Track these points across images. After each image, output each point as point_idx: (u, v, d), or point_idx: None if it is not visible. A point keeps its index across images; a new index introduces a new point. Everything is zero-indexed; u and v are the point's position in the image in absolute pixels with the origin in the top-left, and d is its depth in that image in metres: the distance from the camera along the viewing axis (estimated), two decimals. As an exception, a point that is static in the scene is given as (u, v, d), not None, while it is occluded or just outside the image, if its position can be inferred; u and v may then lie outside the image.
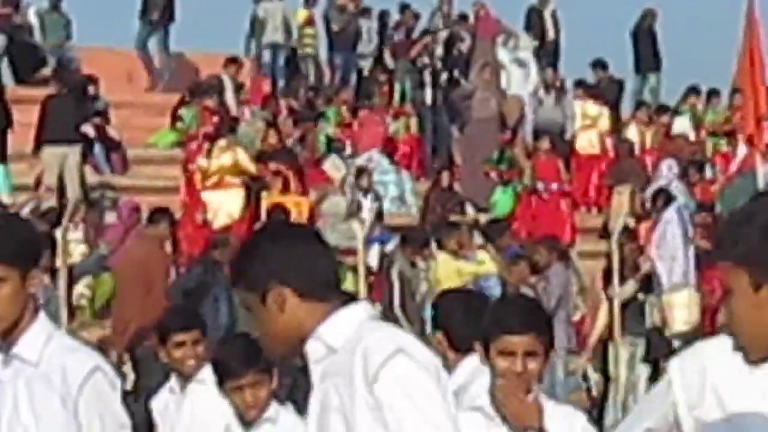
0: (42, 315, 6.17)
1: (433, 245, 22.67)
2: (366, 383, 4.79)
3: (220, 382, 9.54)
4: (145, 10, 29.06)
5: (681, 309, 23.64)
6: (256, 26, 30.71)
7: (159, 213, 21.28)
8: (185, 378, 10.77)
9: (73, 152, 24.13)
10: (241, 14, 31.32)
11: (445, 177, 26.12)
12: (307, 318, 4.94)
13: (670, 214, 24.33)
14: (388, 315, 19.21)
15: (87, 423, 5.97)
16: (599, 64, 32.06)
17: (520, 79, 30.55)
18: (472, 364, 7.47)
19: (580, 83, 31.14)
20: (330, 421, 4.99)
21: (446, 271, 21.40)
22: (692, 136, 30.66)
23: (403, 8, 31.59)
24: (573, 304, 22.17)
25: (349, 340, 4.96)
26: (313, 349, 4.97)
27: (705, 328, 23.55)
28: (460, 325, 7.54)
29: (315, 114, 27.99)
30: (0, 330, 5.86)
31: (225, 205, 23.69)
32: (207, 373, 10.14)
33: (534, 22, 32.12)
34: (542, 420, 6.03)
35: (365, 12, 31.25)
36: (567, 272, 22.19)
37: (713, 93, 30.70)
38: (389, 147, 27.27)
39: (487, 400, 6.28)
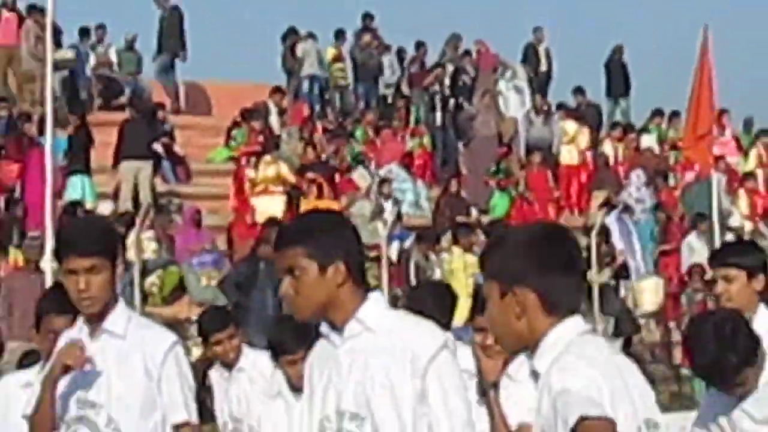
0: (121, 299, 6.78)
1: (450, 241, 23.06)
2: (414, 372, 5.07)
3: (276, 357, 9.82)
4: (160, 45, 29.36)
5: (649, 293, 23.71)
6: (296, 62, 30.83)
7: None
8: (228, 366, 10.98)
9: (146, 166, 24.22)
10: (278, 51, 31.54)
11: (453, 185, 26.28)
12: (351, 300, 5.19)
13: (610, 219, 24.84)
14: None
15: (168, 388, 6.33)
16: (578, 91, 32.23)
17: (516, 103, 30.83)
18: None
19: (560, 106, 31.29)
20: (375, 393, 5.11)
21: (459, 263, 21.95)
22: (657, 150, 30.78)
23: (418, 45, 31.78)
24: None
25: (382, 324, 5.26)
26: (351, 326, 5.16)
27: (668, 309, 23.66)
28: (432, 312, 7.34)
29: (345, 133, 28.04)
30: (97, 309, 6.34)
31: (270, 209, 23.73)
32: (244, 361, 10.67)
33: (530, 56, 32.32)
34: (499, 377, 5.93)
35: (386, 48, 31.34)
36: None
37: (674, 114, 30.83)
38: (406, 160, 27.38)
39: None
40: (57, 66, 24.74)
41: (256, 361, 10.71)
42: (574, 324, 4.14)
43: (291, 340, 9.45)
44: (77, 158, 23.51)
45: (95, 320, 6.37)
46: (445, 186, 26.70)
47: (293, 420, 8.74)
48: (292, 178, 25.15)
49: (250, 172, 24.67)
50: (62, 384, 6.47)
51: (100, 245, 6.56)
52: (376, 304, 5.39)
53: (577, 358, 4.19)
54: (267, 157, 25.20)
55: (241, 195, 24.41)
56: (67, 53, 27.82)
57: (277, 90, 29.32)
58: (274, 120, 27.23)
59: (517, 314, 4.43)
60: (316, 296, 5.20)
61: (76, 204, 21.54)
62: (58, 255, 6.96)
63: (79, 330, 6.59)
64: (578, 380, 4.37)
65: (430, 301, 7.67)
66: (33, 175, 21.22)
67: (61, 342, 6.80)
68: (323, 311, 5.28)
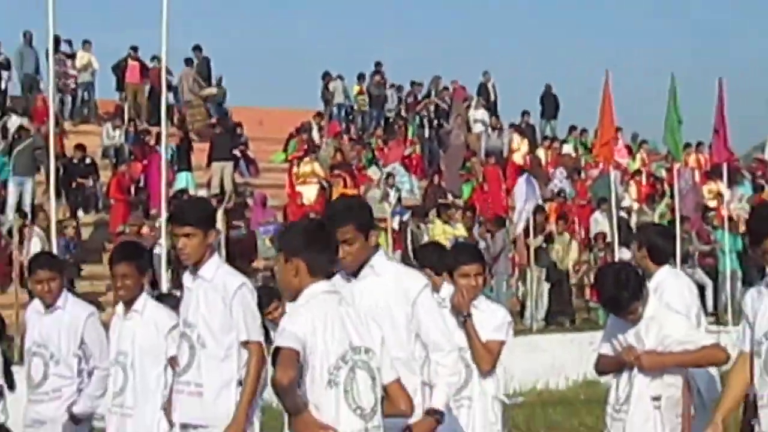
0: (216, 254, 6.99)
1: (434, 216, 22.97)
2: (407, 301, 5.65)
3: None
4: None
5: (572, 251, 23.55)
6: (330, 94, 30.87)
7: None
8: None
9: (228, 165, 24.18)
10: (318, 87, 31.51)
11: (435, 178, 26.34)
12: (366, 253, 5.65)
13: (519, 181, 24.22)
14: (405, 257, 19.38)
15: (236, 315, 6.48)
16: (525, 114, 32.24)
17: (479, 123, 31.04)
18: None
19: (511, 125, 31.30)
20: (379, 313, 5.48)
21: (440, 230, 21.88)
22: (573, 155, 30.79)
23: (413, 84, 32.00)
24: (509, 249, 22.28)
25: (385, 269, 5.75)
26: (365, 271, 5.67)
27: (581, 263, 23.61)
28: (435, 263, 7.61)
29: (363, 143, 28.05)
30: (191, 262, 6.70)
31: (309, 194, 23.86)
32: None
33: (482, 90, 32.36)
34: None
35: (392, 86, 31.38)
36: (505, 233, 22.31)
37: (584, 130, 31.16)
38: (405, 161, 27.59)
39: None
40: (206, 99, 25.92)
41: None
42: (322, 285, 5.03)
43: None
44: (182, 160, 23.49)
45: (194, 269, 6.64)
46: (430, 179, 26.70)
47: None
48: (322, 174, 25.20)
49: (296, 169, 24.78)
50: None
51: (193, 219, 6.77)
52: (381, 256, 5.87)
53: (303, 307, 5.03)
54: (306, 159, 25.41)
55: (291, 185, 24.44)
56: (213, 90, 29.13)
57: (318, 114, 29.59)
58: (315, 134, 27.29)
59: (293, 275, 5.11)
60: (362, 257, 5.71)
61: (182, 191, 21.54)
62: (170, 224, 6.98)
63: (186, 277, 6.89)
64: (293, 321, 4.97)
65: (435, 256, 7.67)
66: (153, 171, 21.19)
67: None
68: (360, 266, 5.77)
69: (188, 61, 29.16)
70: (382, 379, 4.95)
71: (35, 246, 17.45)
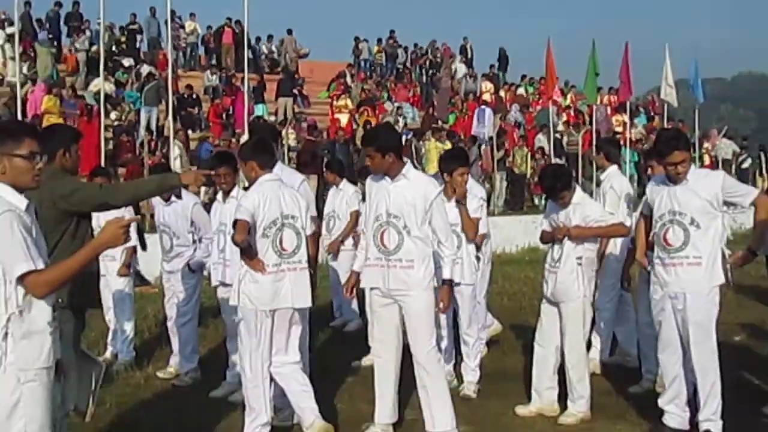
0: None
1: (429, 135, 22.68)
2: (425, 202, 5.69)
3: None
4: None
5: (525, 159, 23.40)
6: (359, 51, 30.69)
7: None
8: None
9: (290, 100, 24.03)
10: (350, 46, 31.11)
11: (430, 110, 26.08)
12: (400, 166, 5.76)
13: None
14: (412, 163, 19.32)
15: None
16: (491, 68, 31.90)
17: (460, 72, 30.75)
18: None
19: (484, 75, 31.11)
20: (405, 205, 5.72)
21: (432, 146, 21.48)
22: (525, 95, 30.66)
23: (415, 45, 32.70)
24: (480, 159, 22.15)
25: (412, 176, 5.82)
26: (398, 177, 5.75)
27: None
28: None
29: (382, 86, 27.90)
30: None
31: (342, 121, 23.77)
32: None
33: (463, 50, 32.14)
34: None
35: (401, 46, 31.53)
36: (476, 147, 22.22)
37: (532, 78, 30.93)
38: (409, 99, 27.56)
39: None
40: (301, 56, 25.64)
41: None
42: (267, 176, 5.84)
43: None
44: (258, 96, 23.36)
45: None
46: (426, 110, 26.50)
47: None
48: (352, 106, 24.76)
49: (335, 103, 24.55)
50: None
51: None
52: (410, 167, 5.88)
53: (254, 190, 5.81)
54: (342, 96, 25.04)
55: (332, 114, 24.29)
56: (306, 50, 29.95)
57: (349, 65, 29.15)
58: (348, 79, 27.06)
59: (250, 170, 5.89)
60: (383, 167, 5.77)
61: (258, 117, 21.46)
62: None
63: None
64: (246, 199, 5.78)
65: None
66: (238, 104, 21.11)
67: None
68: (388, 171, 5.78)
69: (289, 31, 29.61)
70: (306, 231, 5.96)
71: (174, 152, 17.54)
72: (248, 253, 5.67)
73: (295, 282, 5.79)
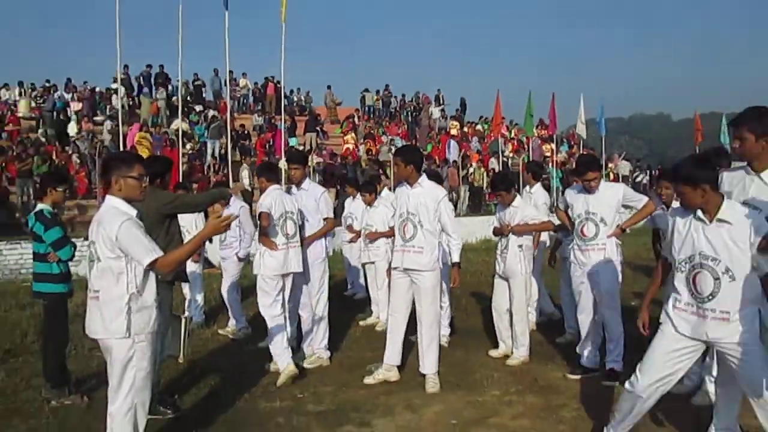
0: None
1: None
2: (436, 204, 5.68)
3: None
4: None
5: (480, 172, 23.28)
6: (363, 99, 30.22)
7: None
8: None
9: (314, 135, 23.79)
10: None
11: (414, 141, 25.83)
12: (417, 177, 5.71)
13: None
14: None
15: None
16: (457, 110, 31.62)
17: (435, 115, 30.34)
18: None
19: (451, 116, 30.88)
20: (420, 206, 5.64)
21: None
22: (482, 130, 30.27)
23: (403, 95, 31.90)
24: (448, 176, 21.91)
25: (425, 185, 5.73)
26: (415, 185, 5.71)
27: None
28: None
29: (378, 125, 27.53)
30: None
31: (350, 150, 23.35)
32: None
33: (437, 99, 31.79)
34: None
35: (393, 96, 31.12)
36: (446, 168, 22.10)
37: (486, 118, 30.42)
38: (399, 134, 26.94)
39: None
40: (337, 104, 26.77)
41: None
42: (274, 186, 6.19)
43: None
44: (291, 132, 23.19)
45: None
46: (411, 142, 26.40)
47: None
48: (357, 139, 24.31)
49: (346, 137, 24.22)
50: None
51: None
52: (424, 178, 5.76)
53: (267, 195, 6.14)
54: (350, 133, 24.53)
55: (344, 144, 23.97)
56: (339, 99, 29.65)
57: (356, 110, 28.70)
58: (355, 120, 26.86)
59: (262, 183, 6.27)
60: (403, 176, 5.72)
61: (291, 147, 21.32)
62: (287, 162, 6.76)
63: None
64: (263, 200, 6.11)
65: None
66: (277, 137, 20.97)
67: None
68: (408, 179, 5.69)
69: (328, 87, 29.74)
70: (299, 221, 6.26)
71: (244, 171, 18.03)
72: (266, 235, 6.04)
73: (295, 255, 6.16)
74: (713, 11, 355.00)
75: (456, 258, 5.83)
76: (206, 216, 7.79)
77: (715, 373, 4.85)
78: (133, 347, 3.69)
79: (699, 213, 3.67)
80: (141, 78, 24.44)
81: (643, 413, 4.10)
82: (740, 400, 4.04)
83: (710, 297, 3.67)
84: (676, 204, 4.14)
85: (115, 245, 3.62)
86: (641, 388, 3.94)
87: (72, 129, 20.58)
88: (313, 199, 6.49)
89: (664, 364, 3.89)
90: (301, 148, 22.96)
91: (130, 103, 22.77)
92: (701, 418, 4.70)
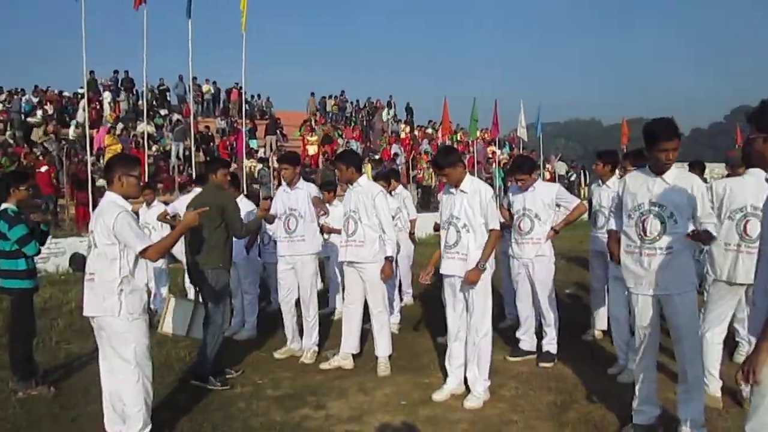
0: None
1: (366, 162, 22.25)
2: (371, 199, 5.71)
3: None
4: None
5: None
6: (321, 105, 30.04)
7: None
8: None
9: (274, 137, 23.60)
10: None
11: (368, 143, 25.79)
12: (357, 176, 5.73)
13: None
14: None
15: None
16: (407, 114, 31.65)
17: (386, 118, 30.25)
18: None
19: (404, 120, 30.88)
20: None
21: (369, 168, 20.49)
22: (431, 132, 30.31)
23: (357, 100, 31.61)
24: (399, 175, 21.87)
25: (364, 185, 5.78)
26: (355, 186, 5.73)
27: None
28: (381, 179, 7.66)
29: (335, 128, 27.48)
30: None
31: (311, 152, 23.18)
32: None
33: (389, 103, 31.74)
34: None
35: (348, 101, 30.92)
36: (396, 167, 22.16)
37: (435, 122, 30.40)
38: (354, 136, 26.78)
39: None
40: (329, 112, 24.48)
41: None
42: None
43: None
44: (252, 134, 22.93)
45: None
46: (365, 144, 26.39)
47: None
48: (317, 141, 23.89)
49: (307, 139, 24.04)
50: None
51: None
52: (363, 178, 5.81)
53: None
54: (309, 135, 24.13)
55: (303, 147, 23.67)
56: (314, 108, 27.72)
57: (314, 114, 28.40)
58: (313, 124, 26.56)
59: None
60: (347, 177, 5.73)
61: (251, 149, 21.07)
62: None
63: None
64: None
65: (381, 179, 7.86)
66: (239, 140, 20.65)
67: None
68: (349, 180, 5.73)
69: (312, 93, 29.80)
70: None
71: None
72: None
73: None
74: (638, 26, 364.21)
75: (389, 252, 5.62)
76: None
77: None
78: (128, 325, 3.88)
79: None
80: (104, 82, 23.86)
81: None
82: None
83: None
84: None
85: (111, 233, 3.82)
86: None
87: (39, 132, 19.96)
88: (306, 195, 6.23)
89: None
90: (262, 150, 22.78)
91: (97, 107, 22.20)
92: (624, 395, 4.84)
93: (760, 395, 2.59)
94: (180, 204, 7.82)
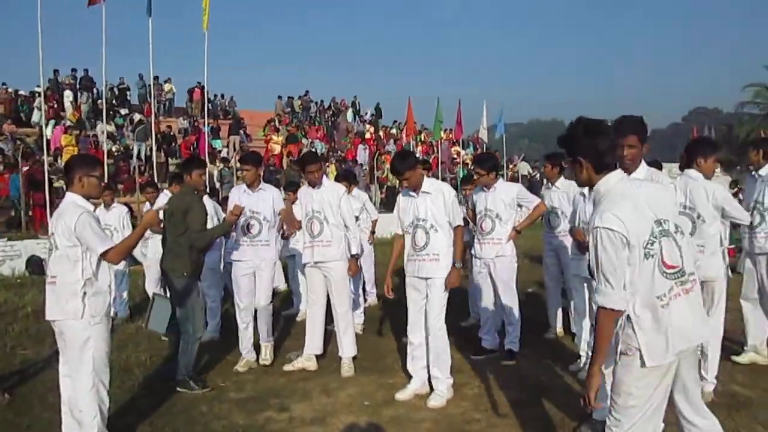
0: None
1: (331, 162, 22.15)
2: (338, 199, 5.63)
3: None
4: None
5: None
6: (286, 105, 29.82)
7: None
8: None
9: (237, 137, 23.40)
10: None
11: (332, 143, 25.75)
12: (321, 176, 5.67)
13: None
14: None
15: None
16: (372, 115, 31.63)
17: (350, 117, 30.20)
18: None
19: (368, 121, 30.86)
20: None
21: (334, 169, 20.51)
22: (395, 133, 30.35)
23: (321, 101, 31.36)
24: (364, 175, 21.86)
25: (329, 185, 5.73)
26: (324, 182, 5.66)
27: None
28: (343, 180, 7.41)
29: (300, 128, 27.30)
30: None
31: (274, 152, 23.03)
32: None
33: (353, 104, 31.71)
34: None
35: (313, 101, 30.72)
36: (359, 167, 22.09)
37: (400, 122, 30.52)
38: (319, 137, 26.64)
39: None
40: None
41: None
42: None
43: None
44: (215, 134, 22.65)
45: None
46: (329, 144, 26.36)
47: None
48: (281, 141, 23.70)
49: (271, 138, 23.84)
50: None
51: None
52: (325, 179, 5.72)
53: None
54: (273, 135, 24.07)
55: (267, 146, 23.57)
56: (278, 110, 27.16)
57: (278, 114, 28.15)
58: (277, 123, 26.37)
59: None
60: (315, 179, 5.59)
61: (214, 149, 20.81)
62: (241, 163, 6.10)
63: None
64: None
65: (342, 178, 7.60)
66: (201, 139, 20.39)
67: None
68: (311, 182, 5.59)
69: (279, 97, 29.79)
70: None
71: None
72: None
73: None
74: (599, 29, 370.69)
75: (354, 250, 5.73)
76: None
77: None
78: (89, 329, 3.80)
79: None
80: (66, 81, 23.32)
81: None
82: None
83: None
84: None
85: (72, 235, 3.75)
86: None
87: (-7, 131, 19.42)
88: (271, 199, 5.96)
89: None
90: (225, 150, 22.54)
91: (54, 106, 21.67)
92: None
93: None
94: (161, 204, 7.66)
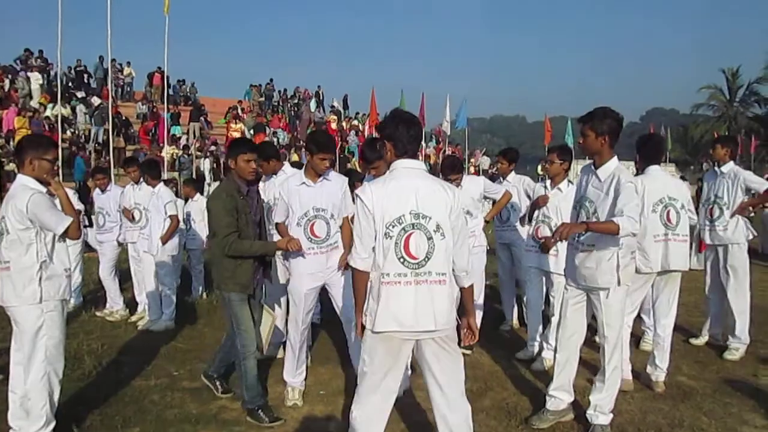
0: None
1: (293, 151, 22.06)
2: (342, 192, 4.66)
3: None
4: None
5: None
6: (249, 93, 29.47)
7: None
8: None
9: (197, 124, 23.06)
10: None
11: (295, 133, 25.58)
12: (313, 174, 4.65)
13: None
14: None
15: None
16: (333, 106, 31.45)
17: (313, 107, 30.06)
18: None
19: (330, 110, 30.70)
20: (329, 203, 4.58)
21: (296, 159, 20.55)
22: (357, 125, 30.29)
23: (285, 89, 31.03)
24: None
25: (333, 176, 4.72)
26: (320, 180, 4.66)
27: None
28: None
29: (263, 117, 26.99)
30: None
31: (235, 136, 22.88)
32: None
33: (316, 93, 31.50)
34: None
35: (276, 90, 30.31)
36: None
37: (363, 114, 30.41)
38: (282, 126, 26.51)
39: None
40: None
41: None
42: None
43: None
44: (175, 120, 22.26)
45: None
46: (293, 134, 26.23)
47: None
48: (244, 129, 23.45)
49: (231, 126, 23.59)
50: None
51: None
52: (330, 171, 4.66)
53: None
54: (233, 123, 23.79)
55: (227, 134, 23.30)
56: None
57: (239, 102, 27.85)
58: (239, 111, 26.12)
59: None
60: (315, 172, 4.51)
61: (174, 136, 20.47)
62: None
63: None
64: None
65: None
66: (160, 125, 20.07)
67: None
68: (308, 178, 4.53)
69: (251, 85, 29.13)
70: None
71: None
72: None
73: None
74: (561, 29, 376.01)
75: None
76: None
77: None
78: (43, 316, 3.71)
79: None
80: (18, 61, 22.64)
81: None
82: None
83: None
84: None
85: (25, 217, 3.64)
86: None
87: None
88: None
89: None
90: (185, 137, 22.20)
91: (6, 87, 21.01)
92: (537, 382, 5.02)
93: None
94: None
